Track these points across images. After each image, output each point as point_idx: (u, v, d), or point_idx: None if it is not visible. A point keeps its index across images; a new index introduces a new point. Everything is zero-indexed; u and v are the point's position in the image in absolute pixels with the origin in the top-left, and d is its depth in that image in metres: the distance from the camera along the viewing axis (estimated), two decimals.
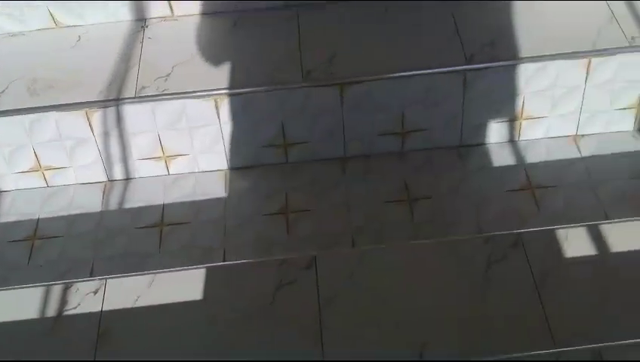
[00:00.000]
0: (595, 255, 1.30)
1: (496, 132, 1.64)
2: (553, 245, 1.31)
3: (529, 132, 1.64)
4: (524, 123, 1.62)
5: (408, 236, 1.49)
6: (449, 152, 1.65)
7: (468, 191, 1.57)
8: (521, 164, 1.61)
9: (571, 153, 1.63)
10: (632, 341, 1.16)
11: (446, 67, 1.53)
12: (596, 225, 1.33)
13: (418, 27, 1.64)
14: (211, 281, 1.31)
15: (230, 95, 1.53)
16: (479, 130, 1.63)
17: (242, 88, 1.53)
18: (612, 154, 1.61)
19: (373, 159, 1.65)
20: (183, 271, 1.36)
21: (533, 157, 1.62)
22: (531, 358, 1.17)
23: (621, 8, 1.61)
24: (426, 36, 1.62)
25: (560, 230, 1.34)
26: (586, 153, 1.62)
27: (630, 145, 1.63)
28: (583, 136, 1.65)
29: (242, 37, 1.67)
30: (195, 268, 1.35)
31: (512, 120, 1.62)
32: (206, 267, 1.35)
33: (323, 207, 1.56)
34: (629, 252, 1.30)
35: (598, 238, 1.31)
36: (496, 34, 1.58)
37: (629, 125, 1.64)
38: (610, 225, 1.35)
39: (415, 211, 1.54)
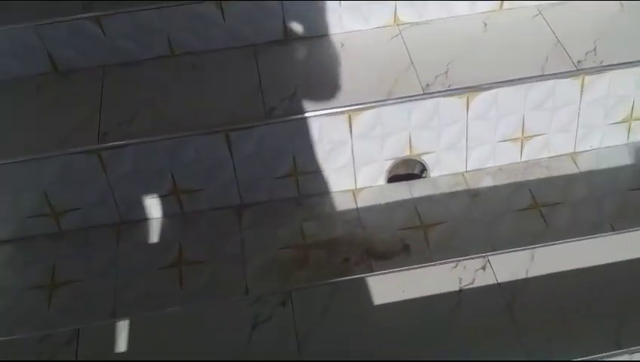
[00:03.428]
0: None
1: (155, 207, 1.62)
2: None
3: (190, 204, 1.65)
4: (182, 197, 1.63)
5: None
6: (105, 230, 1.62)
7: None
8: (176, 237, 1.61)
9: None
10: None
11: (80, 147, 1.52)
12: None
13: None
14: None
15: None
16: (137, 205, 1.61)
17: None
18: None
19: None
20: None
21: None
22: None
23: (266, 80, 1.65)
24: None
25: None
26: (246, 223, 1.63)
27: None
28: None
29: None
30: None
31: (170, 193, 1.62)
32: None
33: None
34: None
35: None
36: None
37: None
38: None
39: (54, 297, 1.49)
